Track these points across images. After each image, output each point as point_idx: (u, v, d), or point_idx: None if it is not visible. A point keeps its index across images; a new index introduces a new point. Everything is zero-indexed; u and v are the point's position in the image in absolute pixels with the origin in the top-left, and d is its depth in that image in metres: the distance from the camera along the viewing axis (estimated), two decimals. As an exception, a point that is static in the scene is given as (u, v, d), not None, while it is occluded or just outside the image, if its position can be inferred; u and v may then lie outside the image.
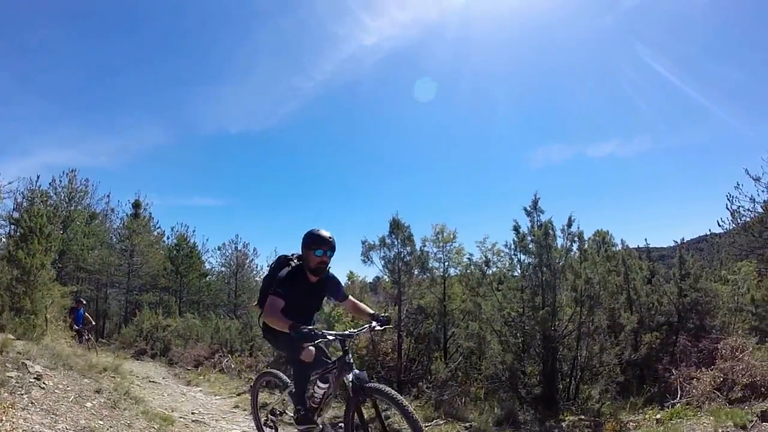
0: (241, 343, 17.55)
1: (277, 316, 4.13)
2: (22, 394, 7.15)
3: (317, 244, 4.41)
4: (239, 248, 29.04)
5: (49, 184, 24.66)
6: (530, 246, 11.51)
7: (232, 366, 15.53)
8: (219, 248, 29.50)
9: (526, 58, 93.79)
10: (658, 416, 8.47)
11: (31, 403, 6.98)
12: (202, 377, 14.30)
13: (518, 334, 11.25)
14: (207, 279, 29.69)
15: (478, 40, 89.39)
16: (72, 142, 57.24)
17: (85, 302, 17.99)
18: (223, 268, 29.68)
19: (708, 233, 23.24)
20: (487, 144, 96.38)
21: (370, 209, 69.24)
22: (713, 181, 77.26)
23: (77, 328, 16.29)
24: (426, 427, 8.84)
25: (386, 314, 5.03)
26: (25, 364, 8.25)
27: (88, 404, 7.73)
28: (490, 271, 12.79)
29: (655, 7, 77.55)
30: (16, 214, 21.56)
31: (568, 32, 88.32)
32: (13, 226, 21.83)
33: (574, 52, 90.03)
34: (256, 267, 29.44)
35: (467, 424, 8.90)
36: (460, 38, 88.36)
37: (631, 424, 8.52)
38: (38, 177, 23.19)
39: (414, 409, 3.81)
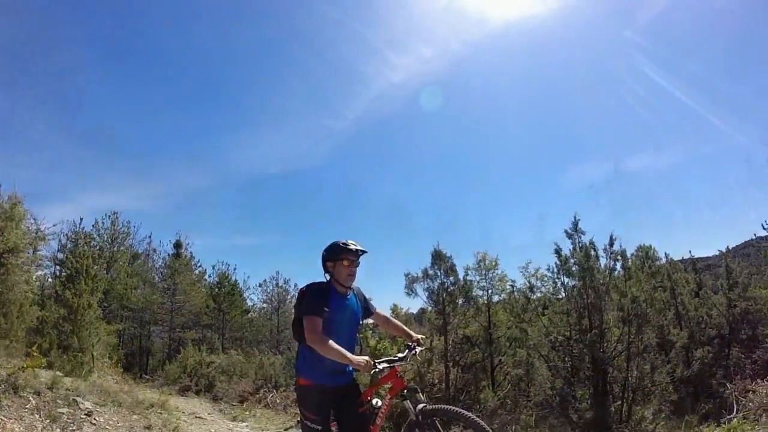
0: (285, 378, 17.49)
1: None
2: (74, 430, 7.26)
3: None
4: (280, 284, 29.29)
5: (92, 226, 25.29)
6: (573, 268, 11.37)
7: (278, 401, 15.49)
8: (260, 285, 29.78)
9: (553, 78, 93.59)
10: (715, 433, 8.22)
11: (83, 438, 7.08)
12: (247, 413, 14.29)
13: (566, 358, 11.02)
14: (249, 315, 29.79)
15: (502, 67, 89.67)
16: (113, 187, 58.55)
17: None
18: (264, 305, 29.93)
19: (754, 237, 22.43)
20: (521, 168, 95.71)
21: (409, 241, 68.90)
22: (754, 185, 75.09)
23: None
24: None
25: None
26: (76, 401, 8.38)
27: (139, 439, 7.82)
28: (535, 296, 12.62)
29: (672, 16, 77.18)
30: (60, 255, 22.20)
31: (592, 49, 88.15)
32: (58, 267, 22.45)
33: (600, 68, 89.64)
34: (298, 302, 29.62)
35: (520, 453, 8.69)
36: (485, 67, 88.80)
37: (687, 443, 8.25)
38: (81, 219, 23.78)
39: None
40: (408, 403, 3.86)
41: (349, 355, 3.64)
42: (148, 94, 72.03)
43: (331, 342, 3.65)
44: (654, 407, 10.40)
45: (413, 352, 4.19)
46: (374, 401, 4.15)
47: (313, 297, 3.91)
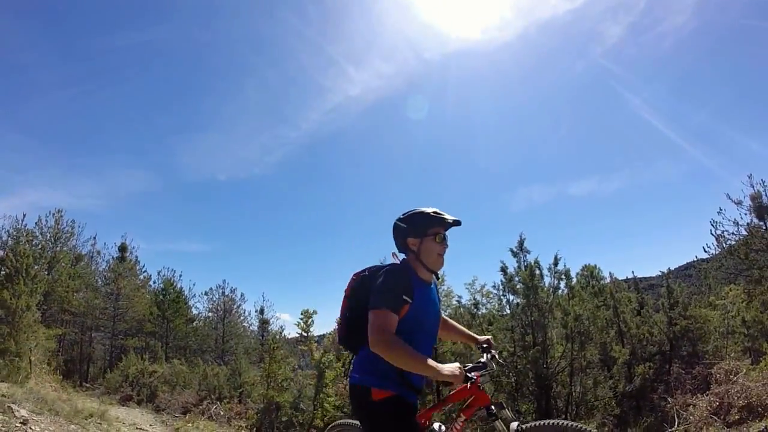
0: (229, 389, 17.26)
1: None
2: (8, 439, 7.01)
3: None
4: (226, 293, 28.66)
5: (35, 223, 24.10)
6: (518, 286, 11.65)
7: (221, 413, 15.24)
8: (206, 293, 29.04)
9: (504, 104, 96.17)
10: (657, 446, 8.50)
11: (18, 448, 6.85)
12: (190, 425, 13.98)
13: (510, 374, 11.24)
14: (194, 324, 29.07)
15: (457, 89, 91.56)
16: (60, 183, 57.00)
17: None
18: (210, 314, 29.22)
19: (695, 259, 23.61)
20: (471, 188, 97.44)
21: (355, 253, 69.04)
22: (697, 209, 78.59)
23: None
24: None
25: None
26: (11, 408, 8.10)
27: (76, 450, 7.60)
28: (480, 312, 12.86)
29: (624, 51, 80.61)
30: (0, 252, 21.31)
31: (546, 78, 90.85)
32: (-3, 264, 21.49)
33: (551, 97, 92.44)
34: (244, 312, 29.14)
35: (462, 468, 8.79)
36: (441, 87, 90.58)
37: (630, 456, 8.53)
38: (24, 216, 22.81)
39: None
40: (500, 424, 2.82)
41: (434, 363, 2.47)
42: (98, 90, 70.53)
43: (407, 346, 2.50)
44: (597, 421, 10.72)
45: (491, 355, 3.16)
46: (435, 426, 3.10)
47: (393, 284, 2.68)
